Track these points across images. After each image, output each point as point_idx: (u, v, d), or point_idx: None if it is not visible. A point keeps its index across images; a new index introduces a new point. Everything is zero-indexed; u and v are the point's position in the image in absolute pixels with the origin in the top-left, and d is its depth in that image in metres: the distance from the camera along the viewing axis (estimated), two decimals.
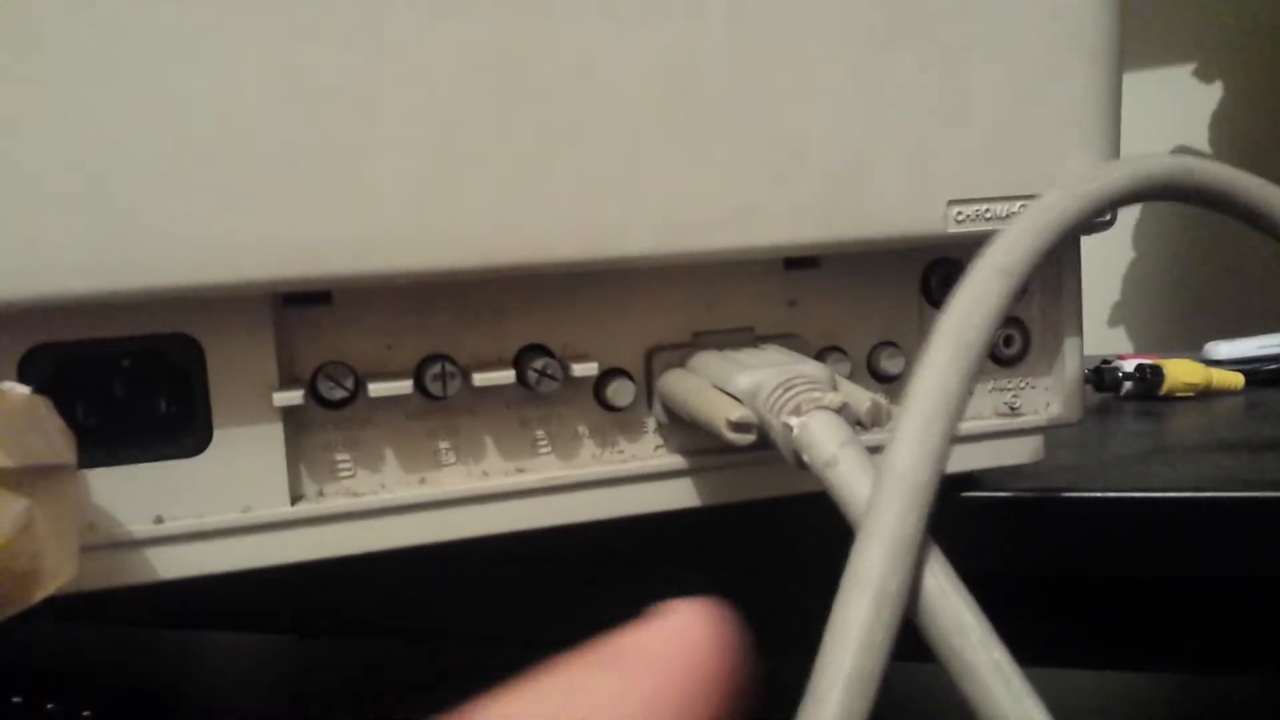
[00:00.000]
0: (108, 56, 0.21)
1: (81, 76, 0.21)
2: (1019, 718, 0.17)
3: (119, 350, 0.23)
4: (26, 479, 0.22)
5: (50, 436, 0.22)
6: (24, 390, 0.22)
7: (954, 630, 0.18)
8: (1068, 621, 0.33)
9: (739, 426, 0.24)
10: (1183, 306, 0.78)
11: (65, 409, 0.22)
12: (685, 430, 0.27)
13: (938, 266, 0.29)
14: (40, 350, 0.23)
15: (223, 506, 0.24)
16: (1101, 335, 0.78)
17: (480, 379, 0.25)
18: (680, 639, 0.15)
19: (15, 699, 0.50)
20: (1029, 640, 0.32)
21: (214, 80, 0.21)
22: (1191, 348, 0.53)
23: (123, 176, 0.21)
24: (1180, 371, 0.46)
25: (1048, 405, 0.31)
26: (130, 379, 0.23)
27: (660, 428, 0.27)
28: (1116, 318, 0.78)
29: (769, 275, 0.28)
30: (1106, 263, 0.77)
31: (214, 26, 0.21)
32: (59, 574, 0.22)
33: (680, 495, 0.27)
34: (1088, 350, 0.32)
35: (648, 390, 0.27)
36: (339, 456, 0.25)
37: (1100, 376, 0.46)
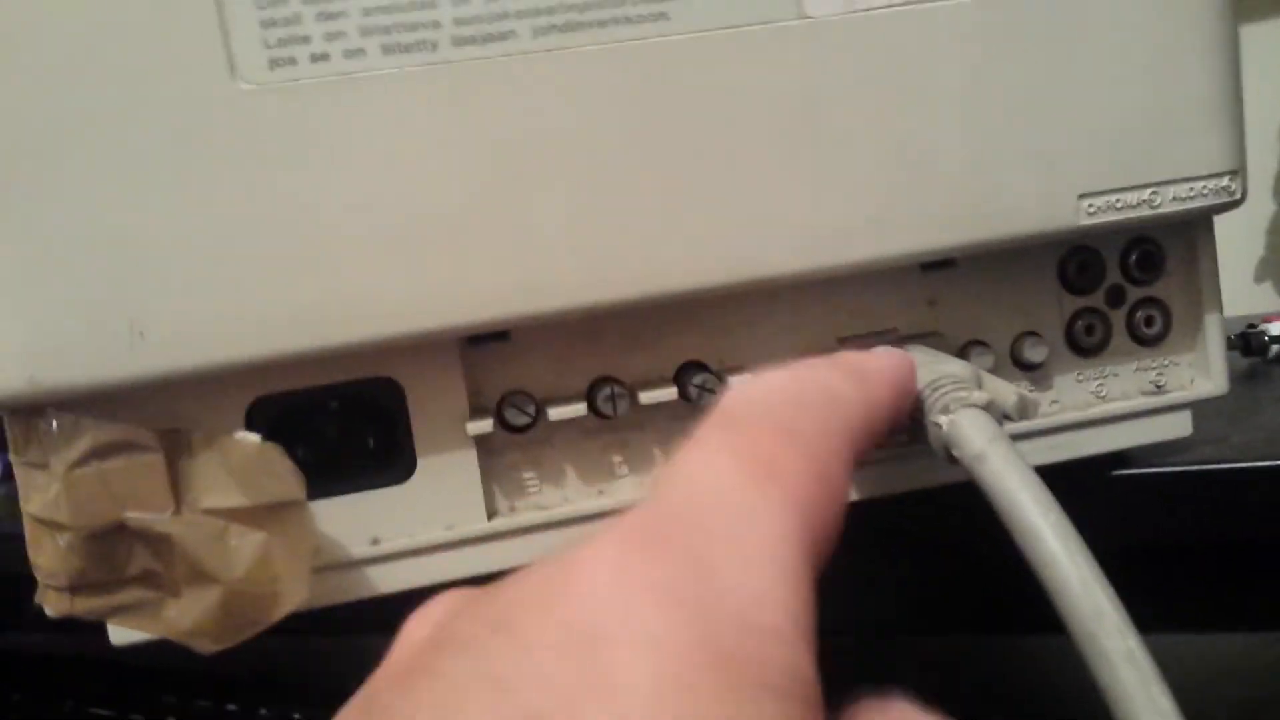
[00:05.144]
0: (317, 151, 0.24)
1: (296, 170, 0.23)
2: (1147, 702, 0.18)
3: (331, 395, 0.26)
4: (262, 516, 0.25)
5: (281, 477, 0.25)
6: (255, 438, 0.25)
7: (1092, 616, 0.19)
8: (1217, 588, 0.33)
9: None
10: None
11: (288, 449, 0.25)
12: None
13: (1075, 254, 0.30)
14: (263, 400, 0.26)
15: (430, 526, 0.27)
16: (1249, 292, 0.76)
17: (646, 397, 0.27)
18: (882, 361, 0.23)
19: (230, 706, 0.54)
20: (1179, 607, 0.33)
21: (401, 163, 0.24)
22: None
23: (330, 248, 0.24)
24: None
25: (1192, 381, 0.31)
26: (342, 419, 0.26)
27: None
28: (1263, 273, 0.76)
29: (907, 278, 0.29)
30: (1247, 219, 0.76)
31: (397, 117, 0.24)
32: (294, 596, 0.25)
33: None
34: (1234, 310, 0.32)
35: None
36: (526, 475, 0.28)
37: (1246, 341, 0.46)
